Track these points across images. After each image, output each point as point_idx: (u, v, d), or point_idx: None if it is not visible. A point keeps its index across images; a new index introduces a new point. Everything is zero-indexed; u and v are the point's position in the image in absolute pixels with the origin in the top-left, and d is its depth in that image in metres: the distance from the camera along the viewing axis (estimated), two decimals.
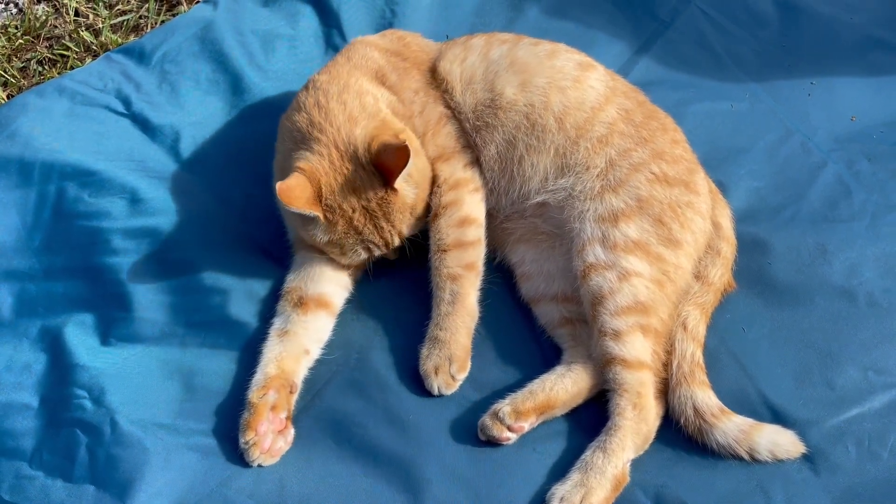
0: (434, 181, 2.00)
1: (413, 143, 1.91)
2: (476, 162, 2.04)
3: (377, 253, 1.96)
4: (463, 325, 1.92)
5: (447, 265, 1.95)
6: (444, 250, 1.96)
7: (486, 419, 1.82)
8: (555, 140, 1.97)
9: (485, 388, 1.91)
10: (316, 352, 1.94)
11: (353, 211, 1.89)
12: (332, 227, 1.90)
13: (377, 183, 1.89)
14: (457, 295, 1.93)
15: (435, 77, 2.07)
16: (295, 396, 1.87)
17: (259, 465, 1.79)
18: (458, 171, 2.01)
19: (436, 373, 1.88)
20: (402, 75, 2.07)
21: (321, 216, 1.88)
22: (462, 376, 1.90)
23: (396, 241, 1.95)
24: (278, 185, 1.83)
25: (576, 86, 2.00)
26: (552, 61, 2.03)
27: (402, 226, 1.94)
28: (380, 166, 1.88)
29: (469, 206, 1.99)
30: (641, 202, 1.91)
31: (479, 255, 1.98)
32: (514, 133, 2.00)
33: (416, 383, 1.92)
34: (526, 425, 1.82)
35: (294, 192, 1.84)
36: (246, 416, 1.80)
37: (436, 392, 1.88)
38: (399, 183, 1.88)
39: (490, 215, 2.04)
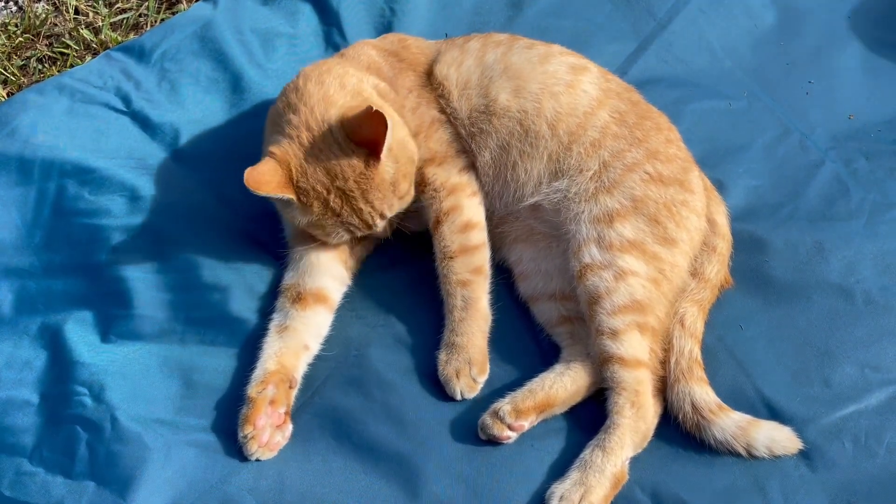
0: (425, 184, 2.00)
1: (393, 117, 1.88)
2: (472, 167, 2.04)
3: (359, 234, 1.94)
4: (478, 330, 1.92)
5: (456, 272, 1.95)
6: (451, 257, 1.96)
7: (487, 418, 1.82)
8: (548, 146, 1.98)
9: (483, 387, 1.90)
10: (315, 347, 1.94)
11: (328, 192, 1.86)
12: (307, 209, 1.88)
13: (355, 160, 1.85)
14: (469, 300, 1.93)
15: (431, 80, 2.07)
16: (294, 392, 1.87)
17: (257, 459, 1.80)
18: (453, 175, 2.01)
19: (457, 376, 1.88)
20: (397, 73, 2.07)
21: (295, 199, 1.86)
22: (482, 379, 1.89)
23: (378, 223, 1.93)
24: (246, 172, 1.81)
25: (568, 91, 2.00)
26: (545, 66, 2.03)
27: (383, 205, 1.90)
28: (360, 140, 1.84)
29: (469, 210, 2.00)
30: (636, 202, 1.91)
31: (485, 258, 1.99)
32: (507, 139, 2.00)
33: (416, 381, 1.92)
34: (526, 424, 1.82)
35: (263, 177, 1.83)
36: (245, 411, 1.81)
37: (458, 396, 1.87)
38: (382, 155, 1.84)
39: (486, 217, 2.04)
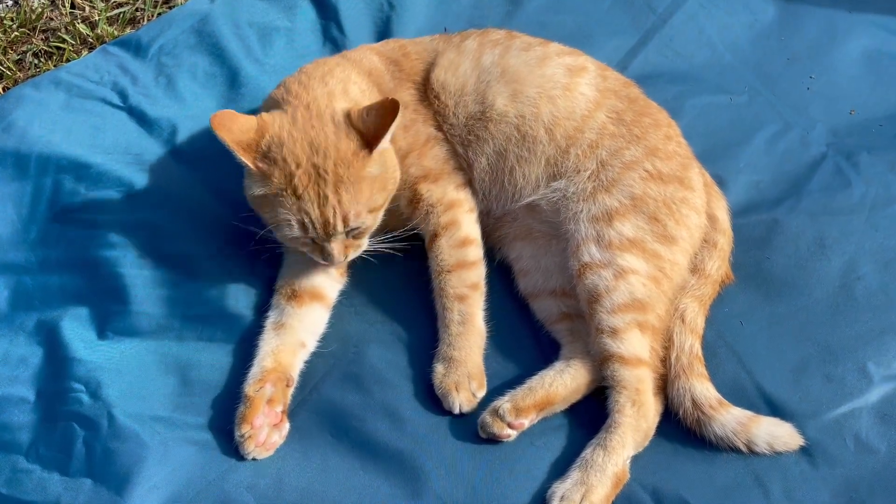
0: (419, 200, 1.97)
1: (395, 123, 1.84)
2: (468, 183, 2.03)
3: (311, 233, 1.80)
4: (476, 345, 1.91)
5: (453, 286, 1.93)
6: (449, 271, 1.95)
7: (486, 416, 1.82)
8: (546, 151, 1.96)
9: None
10: (312, 345, 1.94)
11: (298, 166, 1.77)
12: (266, 179, 1.80)
13: (346, 142, 1.79)
14: (466, 315, 1.92)
15: (428, 89, 2.03)
16: (291, 390, 1.87)
17: (254, 459, 1.79)
18: (450, 192, 1.99)
19: (457, 390, 1.85)
20: (398, 84, 2.04)
21: (251, 165, 1.78)
22: (481, 394, 1.87)
23: (339, 227, 1.79)
24: (221, 111, 1.78)
25: (566, 94, 1.98)
26: (543, 69, 2.00)
27: (350, 207, 1.79)
28: (362, 127, 1.79)
29: (467, 226, 1.98)
30: (635, 200, 1.90)
31: (481, 275, 1.97)
32: (504, 145, 1.98)
33: (414, 379, 1.92)
34: (526, 422, 1.81)
35: (234, 124, 1.77)
36: (242, 410, 1.80)
37: (457, 410, 1.85)
38: (379, 146, 1.79)
39: (482, 216, 2.03)
